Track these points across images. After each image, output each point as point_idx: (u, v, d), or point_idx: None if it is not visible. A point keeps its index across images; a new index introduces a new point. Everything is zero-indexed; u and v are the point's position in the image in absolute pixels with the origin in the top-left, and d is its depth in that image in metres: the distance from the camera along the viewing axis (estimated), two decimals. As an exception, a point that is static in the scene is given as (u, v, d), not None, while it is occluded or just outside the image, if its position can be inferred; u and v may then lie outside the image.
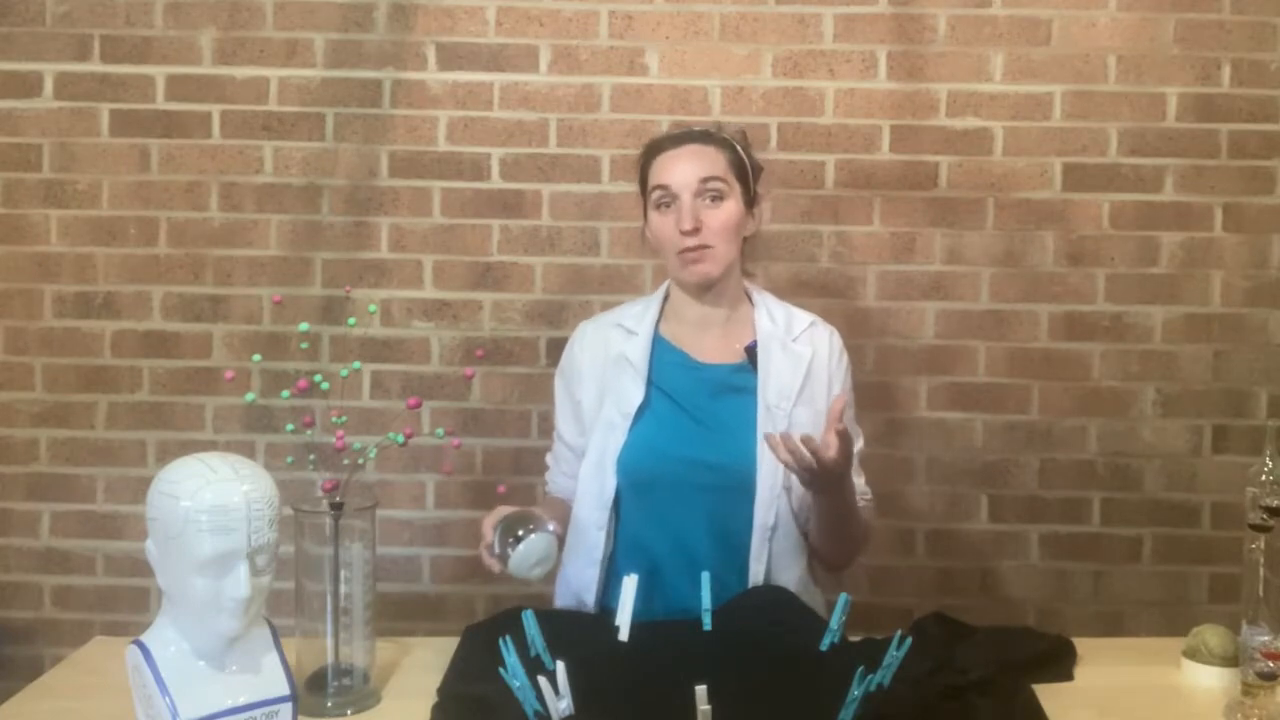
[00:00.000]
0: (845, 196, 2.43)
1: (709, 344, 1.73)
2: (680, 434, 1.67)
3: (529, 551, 1.43)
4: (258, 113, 2.42)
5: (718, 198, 1.66)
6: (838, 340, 1.78)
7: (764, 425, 1.66)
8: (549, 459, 1.85)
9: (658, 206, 1.68)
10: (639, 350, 1.71)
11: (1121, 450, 2.46)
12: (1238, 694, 1.41)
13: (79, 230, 2.44)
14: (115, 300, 2.45)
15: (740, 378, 1.70)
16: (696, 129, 1.73)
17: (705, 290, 1.71)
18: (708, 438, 1.67)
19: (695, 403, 1.69)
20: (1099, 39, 2.40)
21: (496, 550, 1.47)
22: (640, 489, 1.67)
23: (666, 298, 1.78)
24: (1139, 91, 2.41)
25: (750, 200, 1.71)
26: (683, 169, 1.66)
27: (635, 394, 1.68)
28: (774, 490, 1.65)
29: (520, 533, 1.45)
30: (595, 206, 2.43)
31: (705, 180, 1.65)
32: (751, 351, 1.71)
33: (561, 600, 1.76)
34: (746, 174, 1.71)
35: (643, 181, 1.73)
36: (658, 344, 1.73)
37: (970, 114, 2.42)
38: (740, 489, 1.65)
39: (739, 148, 1.72)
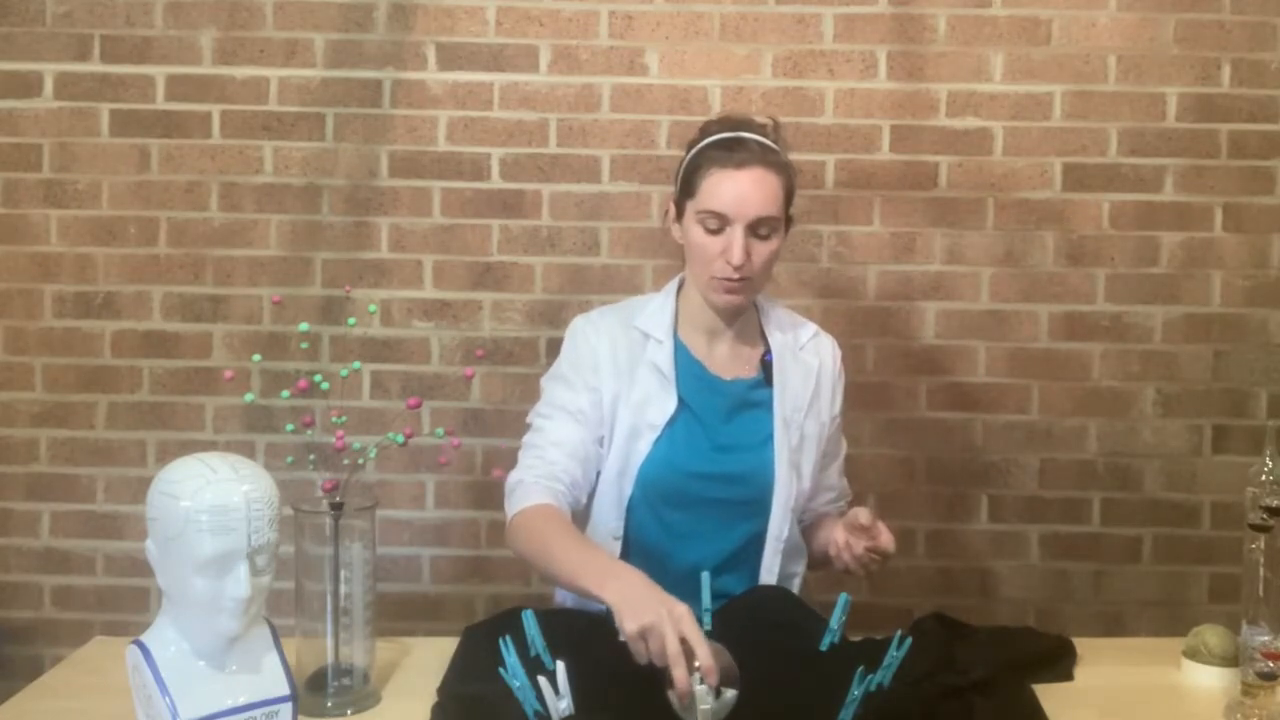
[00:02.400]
0: (845, 196, 2.43)
1: (721, 353, 1.71)
2: (700, 450, 1.66)
3: (722, 709, 1.24)
4: (258, 113, 2.42)
5: (767, 236, 1.60)
6: (839, 353, 1.78)
7: (780, 438, 1.67)
8: (531, 440, 1.67)
9: (704, 226, 1.60)
10: (667, 359, 1.67)
11: (1121, 450, 2.46)
12: (1238, 694, 1.41)
13: (79, 230, 2.44)
14: (115, 300, 2.45)
15: (757, 393, 1.70)
16: (755, 140, 1.61)
17: (730, 313, 1.69)
18: (725, 454, 1.66)
19: (714, 418, 1.67)
20: (1099, 39, 2.40)
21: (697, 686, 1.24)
22: (656, 501, 1.66)
23: (680, 289, 1.74)
24: (1139, 91, 2.41)
25: (788, 223, 1.66)
26: (742, 200, 1.57)
27: (669, 404, 1.65)
28: (788, 503, 1.66)
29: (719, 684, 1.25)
30: (595, 206, 2.43)
31: (760, 219, 1.58)
32: (768, 365, 1.71)
33: (561, 600, 1.75)
34: (792, 197, 1.65)
35: (688, 185, 1.62)
36: (678, 351, 1.70)
37: (970, 114, 2.42)
38: (756, 503, 1.66)
39: (790, 168, 1.65)
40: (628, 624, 1.28)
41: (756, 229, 1.58)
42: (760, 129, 1.65)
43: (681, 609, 1.27)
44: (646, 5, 2.40)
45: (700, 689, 1.22)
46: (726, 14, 2.40)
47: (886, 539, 1.52)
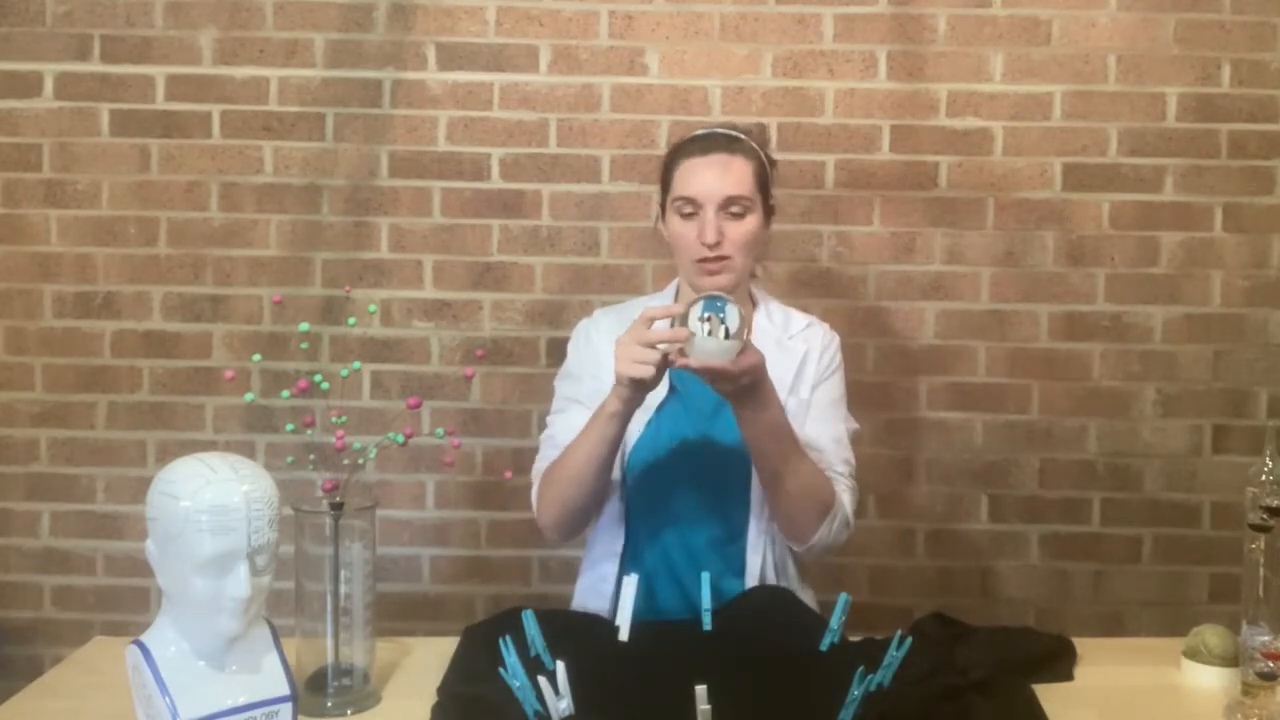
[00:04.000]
0: (845, 196, 2.43)
1: None
2: (686, 437, 1.69)
3: (730, 346, 1.40)
4: (258, 113, 2.42)
5: (740, 214, 1.65)
6: (830, 333, 1.80)
7: None
8: (546, 436, 1.76)
9: (679, 214, 1.67)
10: None
11: (1121, 450, 2.46)
12: (1238, 694, 1.41)
13: (79, 230, 2.44)
14: (115, 300, 2.45)
15: None
16: (722, 132, 1.70)
17: None
18: (710, 442, 1.69)
19: (702, 408, 1.70)
20: (1099, 39, 2.40)
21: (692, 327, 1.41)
22: (646, 483, 1.69)
23: (677, 294, 1.79)
24: (1139, 91, 2.41)
25: (769, 210, 1.71)
26: (708, 182, 1.64)
27: (660, 389, 1.66)
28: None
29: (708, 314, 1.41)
30: (595, 206, 2.43)
31: (730, 199, 1.64)
32: None
33: (580, 597, 1.76)
34: (768, 184, 1.71)
35: (665, 182, 1.71)
36: None
37: (970, 114, 2.42)
38: (738, 490, 1.68)
39: (763, 157, 1.70)
40: (622, 371, 1.47)
41: (728, 208, 1.64)
42: (744, 129, 1.72)
43: (631, 327, 1.47)
44: (646, 5, 2.40)
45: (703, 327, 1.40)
46: (726, 14, 2.40)
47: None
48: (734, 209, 1.64)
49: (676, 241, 1.68)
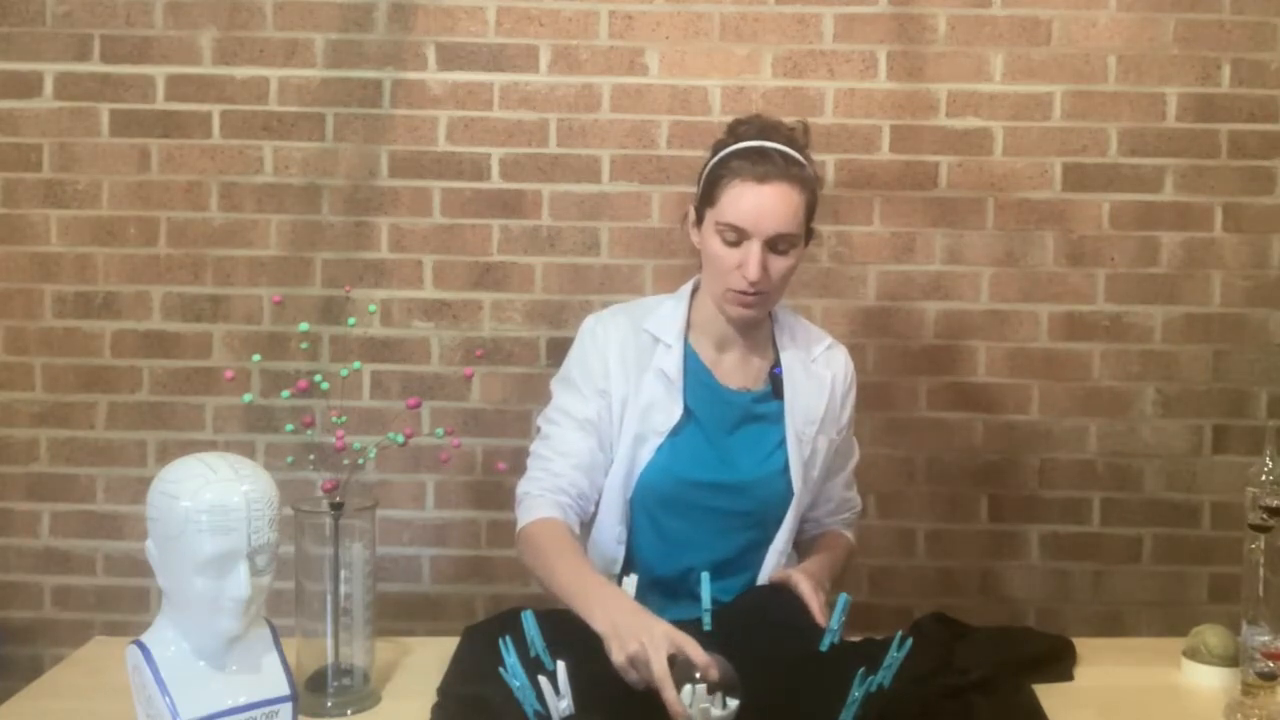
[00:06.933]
0: (845, 196, 2.43)
1: (730, 362, 1.69)
2: (702, 459, 1.65)
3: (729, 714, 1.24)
4: (258, 113, 2.42)
5: (785, 251, 1.58)
6: (851, 366, 1.77)
7: (794, 453, 1.66)
8: (539, 450, 1.67)
9: (722, 238, 1.57)
10: (675, 366, 1.65)
11: (1121, 450, 2.46)
12: (1238, 694, 1.41)
13: (79, 230, 2.44)
14: (115, 300, 2.45)
15: (763, 405, 1.68)
16: (780, 151, 1.56)
17: (743, 324, 1.67)
18: (728, 465, 1.65)
19: (718, 428, 1.66)
20: (1099, 39, 2.40)
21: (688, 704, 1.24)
22: (653, 507, 1.66)
23: (692, 295, 1.71)
24: (1139, 91, 2.41)
25: (808, 235, 1.63)
26: (761, 217, 1.54)
27: (674, 411, 1.63)
28: (797, 516, 1.67)
29: (708, 691, 1.25)
30: (595, 206, 2.43)
31: (780, 236, 1.55)
32: (776, 378, 1.69)
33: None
34: (814, 212, 1.62)
35: (709, 193, 1.59)
36: (688, 358, 1.67)
37: (970, 114, 2.42)
38: (756, 514, 1.66)
39: (815, 185, 1.61)
40: (615, 655, 1.31)
41: (775, 245, 1.56)
42: (789, 133, 1.61)
43: (660, 631, 1.28)
44: (646, 5, 2.40)
45: (703, 707, 1.23)
46: (726, 14, 2.40)
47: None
48: (780, 246, 1.56)
49: (712, 262, 1.59)
